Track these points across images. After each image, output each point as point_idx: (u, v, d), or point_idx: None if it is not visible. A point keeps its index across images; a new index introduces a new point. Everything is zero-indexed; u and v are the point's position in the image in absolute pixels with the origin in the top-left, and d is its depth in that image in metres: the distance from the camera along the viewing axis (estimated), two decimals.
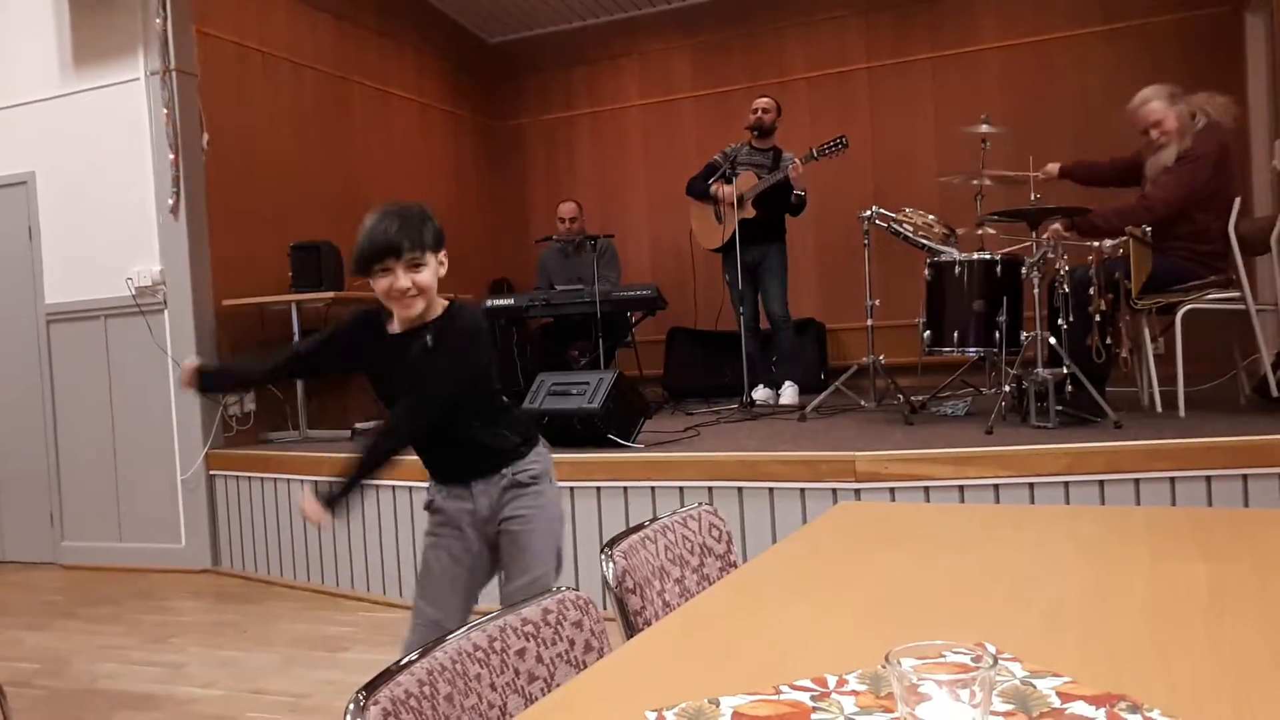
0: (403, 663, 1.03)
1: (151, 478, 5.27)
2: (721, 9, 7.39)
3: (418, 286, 2.06)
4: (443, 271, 2.14)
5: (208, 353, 5.15)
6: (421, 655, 1.07)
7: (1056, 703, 0.84)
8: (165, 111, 5.11)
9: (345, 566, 4.51)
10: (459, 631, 1.14)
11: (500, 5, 7.50)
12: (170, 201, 5.16)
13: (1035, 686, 0.88)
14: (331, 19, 6.44)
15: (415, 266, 2.05)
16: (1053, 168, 4.63)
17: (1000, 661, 0.94)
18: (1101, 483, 3.38)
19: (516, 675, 1.16)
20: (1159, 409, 4.14)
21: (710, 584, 1.64)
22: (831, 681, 0.91)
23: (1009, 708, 0.84)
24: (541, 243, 6.51)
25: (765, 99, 5.74)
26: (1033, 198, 4.28)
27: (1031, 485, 3.43)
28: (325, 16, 6.38)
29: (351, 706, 0.94)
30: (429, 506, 2.32)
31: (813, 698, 0.88)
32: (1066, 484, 3.39)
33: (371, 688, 0.97)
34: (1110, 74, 6.09)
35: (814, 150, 5.32)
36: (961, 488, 3.48)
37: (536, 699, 1.14)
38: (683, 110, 7.58)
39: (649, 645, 1.14)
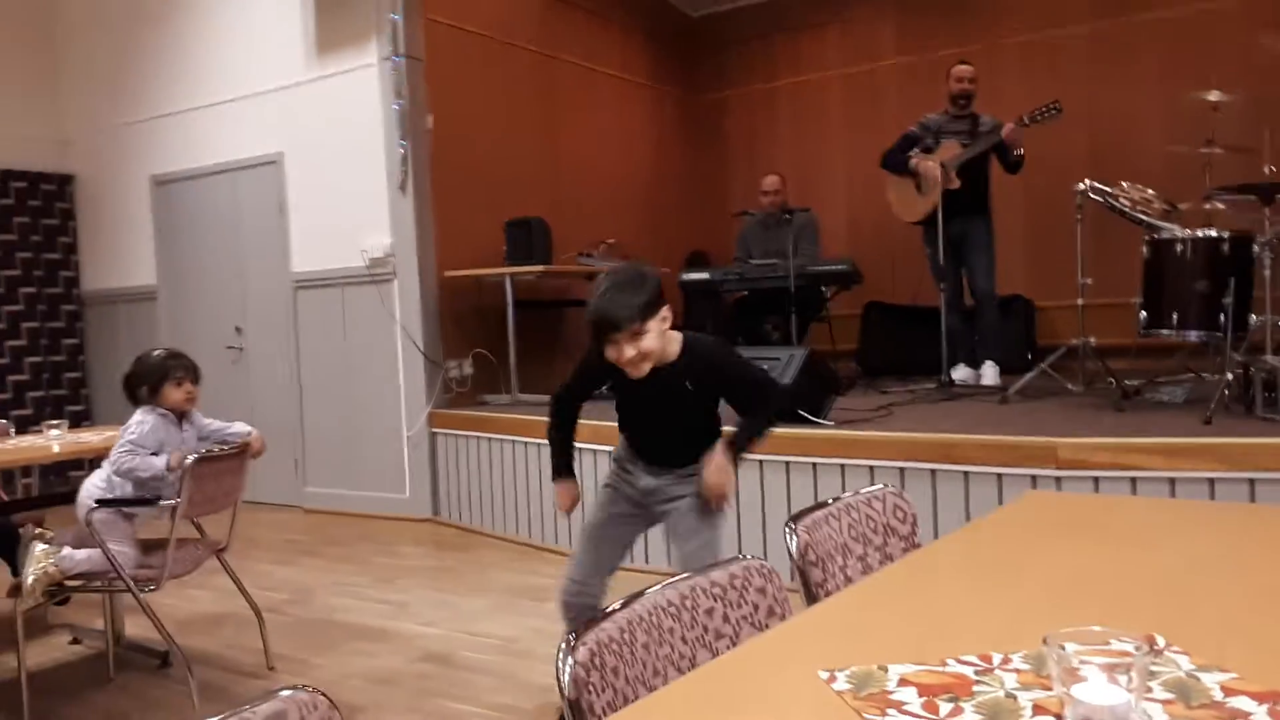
0: (608, 611, 1.18)
1: (380, 433, 5.79)
2: None
3: (642, 353, 2.24)
4: (666, 326, 2.29)
5: (430, 320, 5.60)
6: (623, 606, 1.22)
7: (1219, 696, 0.88)
8: (396, 95, 5.55)
9: (550, 523, 4.82)
10: (656, 587, 1.28)
11: None
12: (400, 180, 5.61)
13: (1200, 679, 0.92)
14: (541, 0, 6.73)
15: (637, 336, 2.22)
16: None
17: (1168, 654, 0.98)
18: None
19: (705, 632, 1.29)
20: None
21: (892, 562, 1.71)
22: (996, 659, 0.98)
23: (1169, 696, 0.88)
24: (739, 216, 6.59)
25: (967, 66, 5.56)
26: (1266, 170, 3.96)
27: (1252, 481, 3.22)
28: None
29: (563, 645, 1.10)
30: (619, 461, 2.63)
31: (976, 671, 0.96)
32: None
33: (580, 631, 1.13)
34: None
35: (1025, 117, 5.12)
36: (1173, 481, 3.31)
37: (721, 655, 1.26)
38: (885, 78, 7.42)
39: (826, 613, 1.24)
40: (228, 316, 6.52)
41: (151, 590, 2.96)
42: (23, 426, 5.13)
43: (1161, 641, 1.01)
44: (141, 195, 6.85)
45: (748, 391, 2.47)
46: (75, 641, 3.70)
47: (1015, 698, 0.90)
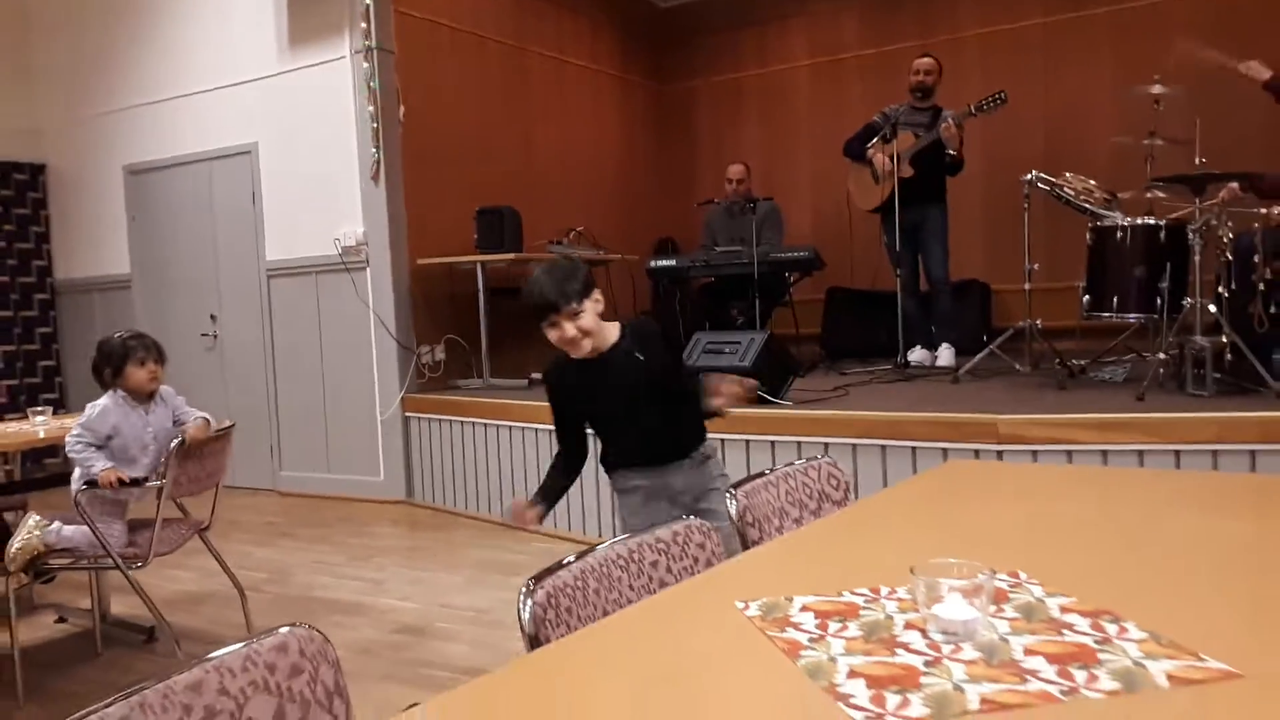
0: (563, 562, 1.36)
1: (355, 417, 5.93)
2: None
3: (581, 330, 2.41)
4: (599, 308, 2.46)
5: (403, 306, 5.74)
6: (578, 558, 1.39)
7: (1056, 614, 1.07)
8: (368, 86, 5.66)
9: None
10: (607, 543, 1.46)
11: None
12: (372, 169, 5.73)
13: (1045, 602, 1.11)
14: None
15: (576, 315, 2.40)
16: (1261, 70, 4.37)
17: (1025, 584, 1.17)
18: (1253, 453, 3.37)
19: (650, 581, 1.48)
20: None
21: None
22: (884, 591, 1.17)
23: (1016, 615, 1.07)
24: (704, 205, 6.76)
25: (927, 59, 5.75)
26: (1198, 161, 4.18)
27: (1178, 453, 3.45)
28: None
29: (524, 589, 1.28)
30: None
31: (865, 600, 1.15)
32: (1215, 453, 3.40)
33: (539, 578, 1.30)
34: None
35: (972, 106, 5.32)
36: (1105, 453, 3.54)
37: None
38: (849, 70, 7.62)
39: (749, 560, 1.43)
40: (202, 305, 6.62)
41: (139, 567, 3.11)
42: None
43: (1023, 576, 1.20)
44: (115, 185, 6.92)
45: (678, 367, 2.61)
46: (61, 620, 3.83)
47: (892, 619, 1.09)
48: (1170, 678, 0.90)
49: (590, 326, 2.43)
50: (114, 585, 3.73)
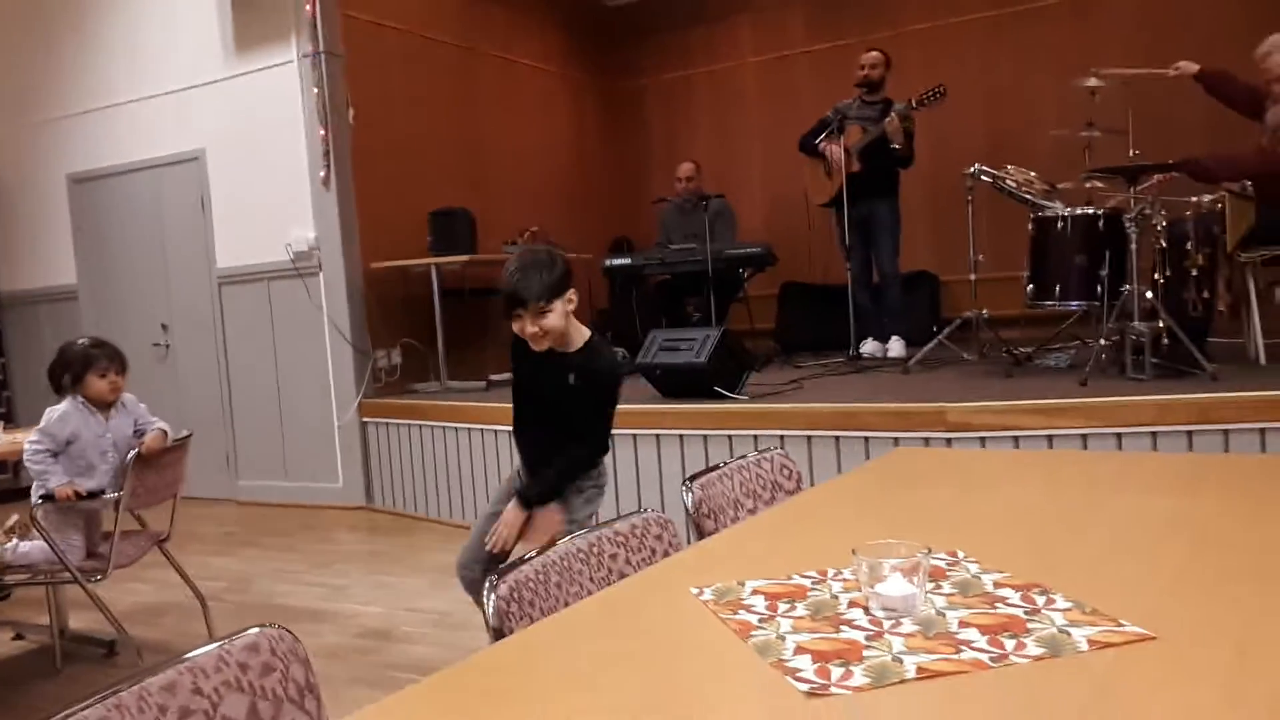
0: (526, 557, 1.41)
1: (312, 424, 5.91)
2: None
3: (544, 329, 2.43)
4: (571, 307, 2.48)
5: (358, 311, 5.73)
6: (539, 554, 1.44)
7: (990, 589, 1.14)
8: (316, 91, 5.64)
9: (482, 505, 5.00)
10: (568, 538, 1.51)
11: None
12: (322, 174, 5.71)
13: (980, 579, 1.18)
14: None
15: (541, 313, 2.41)
16: (1189, 66, 4.50)
17: (963, 563, 1.24)
18: (1190, 434, 3.50)
19: (609, 573, 1.52)
20: (1263, 362, 4.18)
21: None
22: (830, 573, 1.24)
23: (953, 591, 1.14)
24: (658, 203, 6.82)
25: (874, 53, 5.86)
26: (1131, 153, 4.32)
27: (1119, 436, 3.58)
28: None
29: (488, 583, 1.32)
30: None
31: (813, 582, 1.21)
32: (1154, 434, 3.53)
33: (503, 573, 1.35)
34: (1246, 26, 5.92)
35: (913, 100, 5.44)
36: (1050, 438, 3.65)
37: None
38: (797, 66, 7.72)
39: (704, 549, 1.49)
40: (152, 314, 6.54)
41: (98, 580, 3.09)
42: None
43: (961, 555, 1.27)
44: (59, 194, 6.81)
45: (585, 421, 2.56)
46: (18, 637, 3.79)
47: (837, 598, 1.15)
48: (1090, 642, 0.97)
49: (554, 326, 2.44)
50: (72, 600, 3.70)
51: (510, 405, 2.75)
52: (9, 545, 3.08)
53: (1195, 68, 4.52)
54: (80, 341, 3.23)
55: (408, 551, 4.75)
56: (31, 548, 3.08)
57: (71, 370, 3.16)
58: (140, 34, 6.36)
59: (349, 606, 3.94)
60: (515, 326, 2.46)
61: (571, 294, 2.48)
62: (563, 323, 2.46)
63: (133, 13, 6.37)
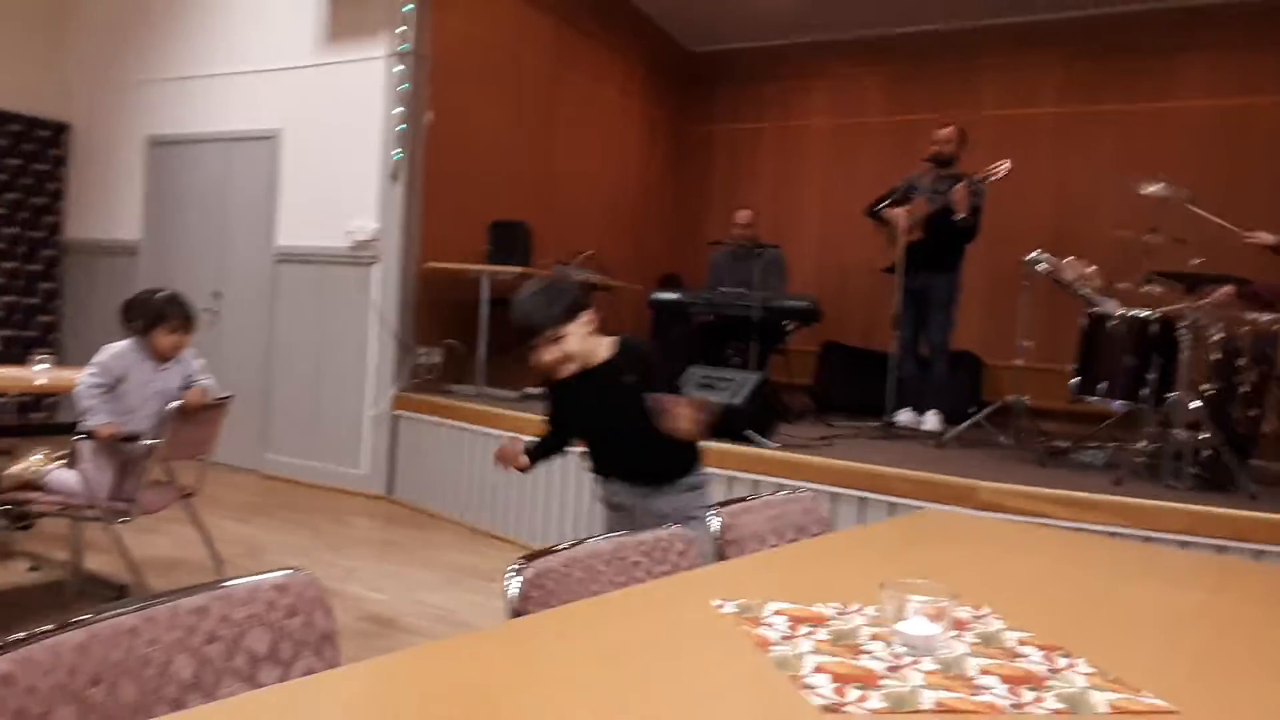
0: (554, 548, 1.43)
1: (344, 409, 5.98)
2: (917, 41, 7.55)
3: (565, 355, 2.39)
4: (590, 329, 2.42)
5: (407, 306, 5.82)
6: (569, 548, 1.46)
7: (1013, 645, 1.14)
8: (400, 88, 5.78)
9: (502, 512, 5.03)
10: (595, 538, 1.53)
11: (708, 16, 7.92)
12: (393, 168, 5.83)
13: (1003, 634, 1.18)
14: (552, 20, 7.01)
15: (556, 340, 2.38)
16: (1266, 237, 4.49)
17: (989, 618, 1.24)
18: (1220, 547, 3.45)
19: (629, 579, 1.54)
20: None
21: None
22: (853, 607, 1.24)
23: (976, 641, 1.14)
24: (713, 245, 6.88)
25: (947, 129, 5.89)
26: (1193, 263, 4.31)
27: (1148, 539, 3.53)
28: (548, 18, 6.97)
29: (514, 566, 1.34)
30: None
31: (835, 612, 1.22)
32: (1184, 543, 3.48)
33: (530, 558, 1.37)
34: None
35: (978, 175, 5.46)
36: (1078, 531, 3.61)
37: None
38: (867, 134, 7.79)
39: (727, 569, 1.50)
40: (207, 281, 6.68)
41: (124, 521, 3.14)
42: None
43: (986, 610, 1.27)
44: (136, 153, 7.00)
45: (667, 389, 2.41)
46: (34, 568, 3.86)
47: (859, 630, 1.15)
48: (1112, 707, 0.97)
49: (573, 349, 2.39)
50: (89, 541, 3.76)
51: (529, 419, 2.70)
52: (50, 468, 3.14)
53: (1271, 239, 4.48)
54: (160, 294, 3.31)
55: (421, 545, 4.78)
56: (68, 476, 3.14)
57: (146, 317, 3.24)
58: (237, 9, 6.55)
59: (355, 589, 3.97)
60: (532, 359, 2.40)
61: (588, 315, 2.42)
62: (583, 345, 2.41)
63: None
